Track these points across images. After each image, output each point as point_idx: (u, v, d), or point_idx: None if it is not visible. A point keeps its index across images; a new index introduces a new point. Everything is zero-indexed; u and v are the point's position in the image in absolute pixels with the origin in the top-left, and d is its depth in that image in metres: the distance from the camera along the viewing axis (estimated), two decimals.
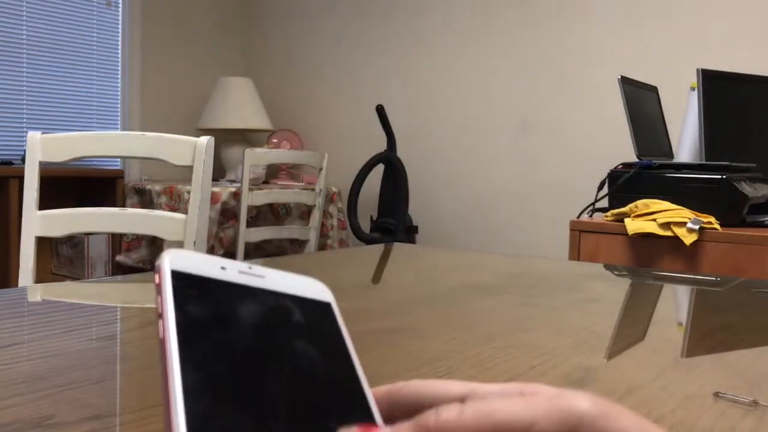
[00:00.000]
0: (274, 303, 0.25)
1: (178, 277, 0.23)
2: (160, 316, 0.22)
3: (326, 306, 0.27)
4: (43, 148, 1.32)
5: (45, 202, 1.34)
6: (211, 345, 0.22)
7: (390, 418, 0.25)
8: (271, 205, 3.11)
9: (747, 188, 1.57)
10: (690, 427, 0.42)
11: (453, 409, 0.22)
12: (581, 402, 0.20)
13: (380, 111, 3.18)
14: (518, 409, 0.21)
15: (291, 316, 0.25)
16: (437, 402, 0.23)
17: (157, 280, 0.23)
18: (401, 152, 3.33)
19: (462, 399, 0.24)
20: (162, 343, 0.21)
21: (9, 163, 3.18)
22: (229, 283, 0.24)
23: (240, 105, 3.64)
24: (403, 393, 0.25)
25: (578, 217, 1.76)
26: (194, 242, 1.34)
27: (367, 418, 0.25)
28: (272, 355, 0.24)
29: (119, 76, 3.66)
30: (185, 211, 1.36)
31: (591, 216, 1.80)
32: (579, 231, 1.65)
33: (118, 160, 3.59)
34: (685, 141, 1.87)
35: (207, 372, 0.21)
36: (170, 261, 0.23)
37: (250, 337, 0.23)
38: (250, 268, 0.26)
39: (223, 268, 0.25)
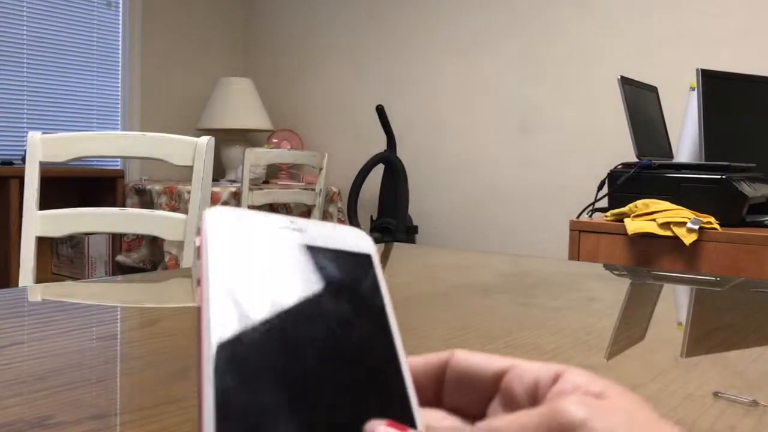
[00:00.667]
0: (313, 261, 0.25)
1: (218, 237, 0.23)
2: (199, 282, 0.22)
3: (366, 258, 0.27)
4: (43, 148, 1.32)
5: (45, 202, 1.34)
6: (248, 313, 0.22)
7: (429, 388, 0.27)
8: (271, 205, 3.11)
9: (746, 188, 1.57)
10: (690, 427, 0.42)
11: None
12: (571, 409, 0.21)
13: (380, 111, 3.18)
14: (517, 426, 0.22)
15: (329, 275, 0.25)
16: (477, 378, 0.26)
17: (197, 243, 0.22)
18: (401, 152, 3.33)
19: (499, 376, 0.25)
20: (199, 312, 0.21)
21: (9, 163, 3.18)
22: (269, 242, 0.24)
23: (240, 105, 3.64)
24: (450, 365, 0.27)
25: (578, 217, 1.76)
26: (194, 242, 1.34)
27: (400, 391, 0.25)
28: (308, 321, 0.23)
29: (119, 76, 3.67)
30: (185, 211, 1.36)
31: (591, 216, 1.80)
32: (579, 231, 1.65)
33: (119, 160, 3.60)
34: (685, 141, 1.87)
35: (242, 342, 0.21)
36: (211, 221, 0.23)
37: (288, 301, 0.23)
38: (291, 222, 0.25)
39: (263, 223, 0.24)
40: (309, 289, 0.24)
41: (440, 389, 0.27)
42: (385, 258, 1.21)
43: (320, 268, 0.25)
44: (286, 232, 0.25)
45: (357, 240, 0.27)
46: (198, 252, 0.22)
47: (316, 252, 0.25)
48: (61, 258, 3.51)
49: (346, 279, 0.26)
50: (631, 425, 0.21)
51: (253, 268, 0.23)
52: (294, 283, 0.24)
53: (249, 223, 0.24)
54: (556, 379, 0.24)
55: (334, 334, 0.24)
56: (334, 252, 0.26)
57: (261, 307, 0.22)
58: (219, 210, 0.23)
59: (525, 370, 0.25)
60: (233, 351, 0.21)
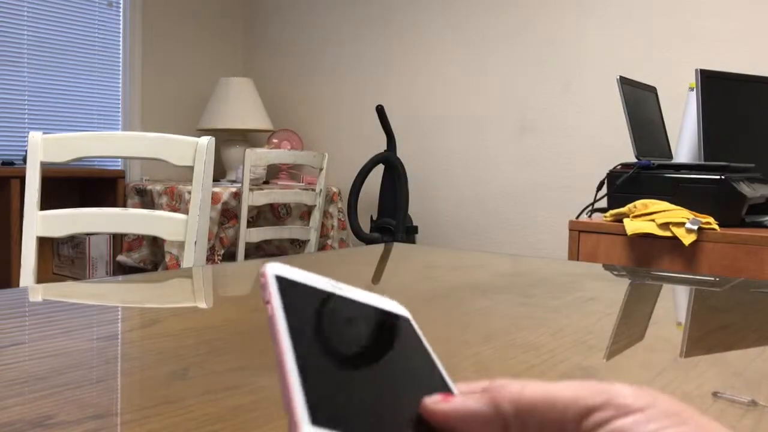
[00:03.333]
0: (361, 309, 0.29)
1: (279, 279, 0.26)
2: (268, 302, 0.25)
3: (406, 319, 0.30)
4: (44, 148, 1.32)
5: (46, 203, 1.34)
6: (314, 330, 0.25)
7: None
8: (271, 205, 3.11)
9: (746, 188, 1.57)
10: None
11: (516, 384, 0.25)
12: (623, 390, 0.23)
13: (380, 111, 3.18)
14: (569, 392, 0.23)
15: (379, 320, 0.29)
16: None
17: (262, 280, 0.26)
18: (401, 152, 3.33)
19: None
20: (271, 320, 0.24)
21: (10, 163, 3.18)
22: (322, 290, 0.28)
23: (240, 105, 3.64)
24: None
25: (577, 217, 1.76)
26: (195, 242, 1.34)
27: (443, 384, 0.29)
28: (367, 347, 0.27)
29: (120, 77, 3.67)
30: (186, 212, 1.36)
31: (590, 216, 1.80)
32: (578, 231, 1.65)
33: (119, 160, 3.60)
34: (684, 141, 1.87)
35: (315, 349, 0.25)
36: (271, 268, 0.26)
37: (347, 331, 0.27)
38: (336, 282, 0.29)
39: (312, 279, 0.28)
40: (360, 323, 0.28)
41: None
42: (385, 258, 1.21)
43: (367, 313, 0.29)
44: (332, 287, 0.29)
45: (395, 306, 0.31)
46: (263, 285, 0.26)
47: (362, 305, 0.29)
48: (62, 258, 3.52)
49: (390, 326, 0.30)
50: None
51: (310, 300, 0.27)
52: (348, 317, 0.28)
53: (302, 273, 0.28)
54: (585, 414, 0.23)
55: (388, 357, 0.28)
56: (377, 308, 0.30)
57: (322, 329, 0.26)
58: (278, 264, 0.27)
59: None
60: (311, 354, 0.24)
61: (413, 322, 0.31)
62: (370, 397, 0.24)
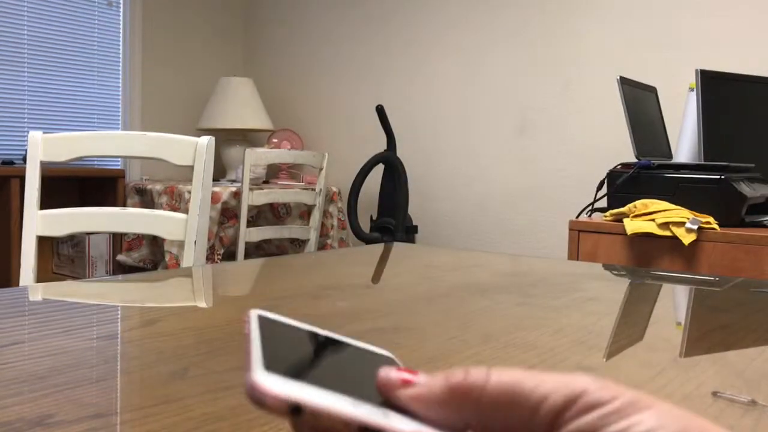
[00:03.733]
0: (345, 342, 0.29)
1: (261, 317, 0.27)
2: (247, 333, 0.26)
3: (390, 358, 0.30)
4: (44, 147, 1.33)
5: (46, 202, 1.34)
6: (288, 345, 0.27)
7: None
8: (271, 205, 3.11)
9: (745, 188, 1.57)
10: None
11: (481, 373, 0.24)
12: (584, 379, 0.23)
13: (380, 111, 3.18)
14: (533, 383, 0.23)
15: (359, 353, 0.29)
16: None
17: (245, 320, 0.27)
18: (401, 152, 3.33)
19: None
20: (246, 337, 0.26)
21: (10, 162, 3.19)
22: (303, 329, 0.29)
23: (240, 105, 3.64)
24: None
25: (577, 217, 1.76)
26: (195, 242, 1.34)
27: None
28: (336, 351, 0.28)
29: (120, 76, 3.67)
30: (186, 211, 1.36)
31: (590, 216, 1.80)
32: (578, 231, 1.65)
33: (119, 159, 3.60)
34: (684, 141, 1.87)
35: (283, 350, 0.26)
36: (255, 312, 0.28)
37: (325, 345, 0.28)
38: (321, 330, 0.30)
39: (295, 323, 0.29)
40: (340, 347, 0.29)
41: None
42: (385, 258, 1.21)
43: (348, 345, 0.29)
44: (316, 329, 0.30)
45: (383, 351, 0.31)
46: (246, 327, 0.27)
47: (345, 343, 0.29)
48: (62, 257, 3.52)
49: (372, 359, 0.30)
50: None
51: (290, 334, 0.28)
52: (328, 344, 0.29)
53: (285, 319, 0.29)
54: (567, 405, 0.22)
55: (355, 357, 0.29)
56: (363, 347, 0.30)
57: (296, 344, 0.27)
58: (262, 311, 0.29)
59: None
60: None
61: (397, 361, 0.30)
62: (328, 369, 0.26)
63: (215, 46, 4.06)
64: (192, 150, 1.36)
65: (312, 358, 0.26)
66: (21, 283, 1.26)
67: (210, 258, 2.89)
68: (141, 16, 3.68)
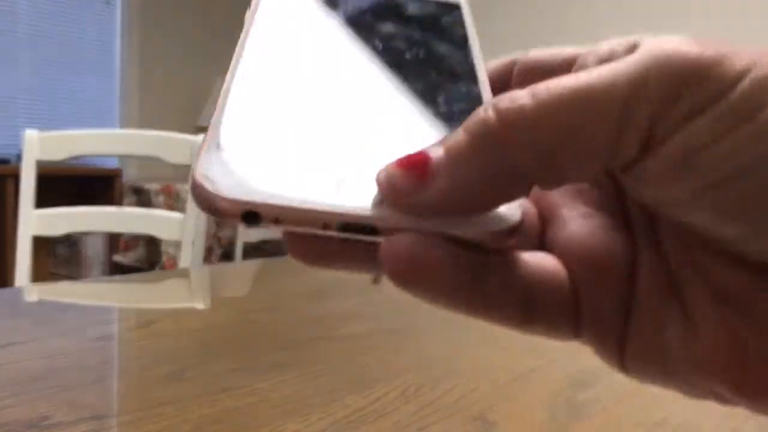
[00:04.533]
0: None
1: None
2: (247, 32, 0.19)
3: (455, 7, 0.22)
4: (40, 146, 1.32)
5: (42, 201, 1.34)
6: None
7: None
8: None
9: None
10: (694, 429, 0.42)
11: (521, 93, 0.16)
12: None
13: None
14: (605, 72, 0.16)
15: (405, 17, 0.21)
16: (546, 68, 0.21)
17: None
18: None
19: (571, 61, 0.21)
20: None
21: (5, 161, 3.18)
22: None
23: None
24: (519, 63, 0.22)
25: None
26: (192, 242, 1.34)
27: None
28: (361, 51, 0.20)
29: (117, 74, 3.66)
30: (183, 211, 1.35)
31: None
32: None
33: (116, 158, 3.59)
34: None
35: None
36: None
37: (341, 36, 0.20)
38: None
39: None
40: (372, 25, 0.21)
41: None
42: None
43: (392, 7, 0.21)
44: None
45: None
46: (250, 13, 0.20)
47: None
48: (58, 257, 3.51)
49: (423, 21, 0.21)
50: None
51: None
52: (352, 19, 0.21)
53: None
54: (632, 48, 0.17)
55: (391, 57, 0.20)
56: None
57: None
58: None
59: (599, 48, 0.19)
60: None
61: (465, 11, 0.22)
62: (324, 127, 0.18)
63: (213, 43, 4.06)
64: (189, 148, 1.36)
65: (308, 100, 0.18)
66: (16, 284, 1.26)
67: (207, 259, 2.88)
68: (138, 14, 3.67)
